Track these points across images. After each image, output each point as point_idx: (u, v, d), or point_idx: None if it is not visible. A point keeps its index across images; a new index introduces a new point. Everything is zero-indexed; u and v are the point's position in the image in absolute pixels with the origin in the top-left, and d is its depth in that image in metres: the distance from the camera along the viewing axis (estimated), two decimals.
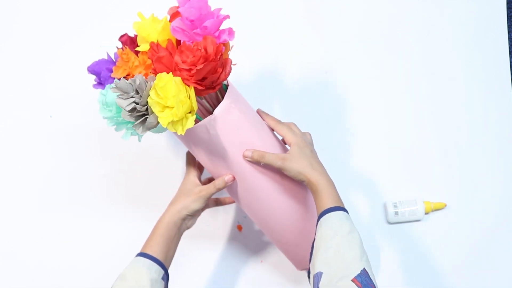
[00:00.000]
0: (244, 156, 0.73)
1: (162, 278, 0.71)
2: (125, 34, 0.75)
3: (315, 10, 1.07)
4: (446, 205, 0.99)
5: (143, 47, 0.70)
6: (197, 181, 0.79)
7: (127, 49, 0.72)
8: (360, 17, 1.07)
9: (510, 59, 1.07)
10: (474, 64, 1.06)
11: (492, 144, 1.03)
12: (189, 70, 0.64)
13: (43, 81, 1.04)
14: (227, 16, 0.69)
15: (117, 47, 0.75)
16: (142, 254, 0.72)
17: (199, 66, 0.63)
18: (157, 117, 0.63)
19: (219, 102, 0.72)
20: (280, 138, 0.82)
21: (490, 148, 1.03)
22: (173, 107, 0.62)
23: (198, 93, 0.67)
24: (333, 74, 1.05)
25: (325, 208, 0.69)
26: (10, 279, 0.97)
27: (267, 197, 0.77)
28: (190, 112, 0.66)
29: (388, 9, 1.07)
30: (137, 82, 0.63)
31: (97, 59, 0.76)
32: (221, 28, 0.68)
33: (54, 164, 1.01)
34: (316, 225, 0.70)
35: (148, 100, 0.63)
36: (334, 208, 0.69)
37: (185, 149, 0.98)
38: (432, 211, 0.99)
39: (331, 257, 0.64)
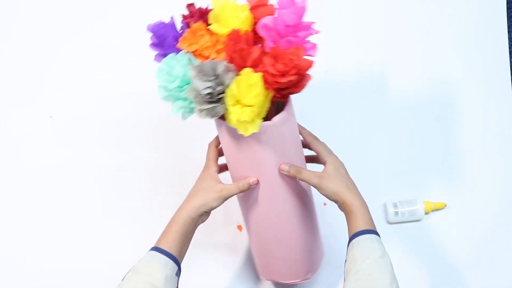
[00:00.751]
0: (281, 170, 0.72)
1: (176, 274, 0.70)
2: (193, 4, 0.69)
3: (315, 10, 1.07)
4: (446, 205, 0.99)
5: (218, 28, 0.65)
6: (218, 177, 0.76)
7: (202, 25, 0.66)
8: (360, 17, 1.07)
9: (510, 59, 1.07)
10: (474, 64, 1.06)
11: (492, 144, 1.03)
12: (275, 76, 0.61)
13: (43, 81, 1.04)
14: (317, 31, 0.67)
15: (182, 15, 0.69)
16: (157, 249, 0.70)
17: (291, 78, 0.61)
18: (226, 109, 0.61)
19: (270, 109, 0.70)
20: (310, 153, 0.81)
21: (490, 148, 1.03)
22: (247, 106, 0.61)
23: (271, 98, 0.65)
24: (333, 74, 1.05)
25: (358, 230, 0.69)
26: (13, 281, 0.97)
27: (285, 211, 0.77)
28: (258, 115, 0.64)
29: (388, 9, 1.07)
30: (220, 69, 0.61)
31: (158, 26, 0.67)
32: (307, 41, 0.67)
33: (54, 164, 1.01)
34: (348, 246, 0.70)
35: (227, 90, 0.61)
36: (367, 231, 0.69)
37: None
38: (432, 211, 0.99)
39: (360, 280, 0.64)
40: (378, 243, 0.68)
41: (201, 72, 0.61)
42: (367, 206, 0.73)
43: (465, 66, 1.06)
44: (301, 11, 0.65)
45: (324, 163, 0.76)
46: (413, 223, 0.99)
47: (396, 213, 0.97)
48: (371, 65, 1.05)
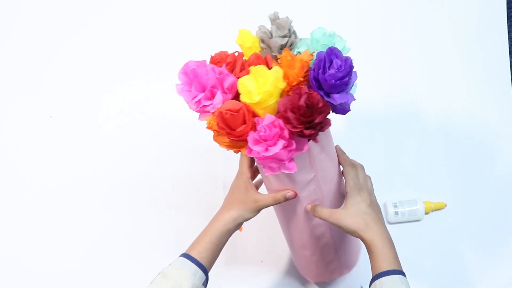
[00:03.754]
0: (307, 209, 0.72)
1: (203, 284, 0.69)
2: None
3: (314, 10, 1.07)
4: (446, 205, 0.99)
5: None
6: (252, 185, 0.73)
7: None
8: (360, 18, 1.07)
9: (510, 59, 1.07)
10: (474, 64, 1.06)
11: (492, 144, 1.03)
12: None
13: (43, 81, 1.04)
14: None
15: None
16: (188, 257, 0.69)
17: None
18: None
19: None
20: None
21: (490, 148, 1.03)
22: None
23: None
24: None
25: (380, 272, 0.67)
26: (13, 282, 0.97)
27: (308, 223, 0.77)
28: None
29: (388, 9, 1.07)
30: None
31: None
32: None
33: (53, 163, 1.01)
34: (370, 285, 0.68)
35: None
36: (390, 271, 0.67)
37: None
38: (432, 211, 0.99)
39: None
40: (402, 283, 0.66)
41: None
42: (390, 242, 0.70)
43: (465, 66, 1.06)
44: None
45: (345, 193, 0.73)
46: (413, 223, 0.99)
47: (396, 213, 0.97)
48: (370, 65, 1.05)
